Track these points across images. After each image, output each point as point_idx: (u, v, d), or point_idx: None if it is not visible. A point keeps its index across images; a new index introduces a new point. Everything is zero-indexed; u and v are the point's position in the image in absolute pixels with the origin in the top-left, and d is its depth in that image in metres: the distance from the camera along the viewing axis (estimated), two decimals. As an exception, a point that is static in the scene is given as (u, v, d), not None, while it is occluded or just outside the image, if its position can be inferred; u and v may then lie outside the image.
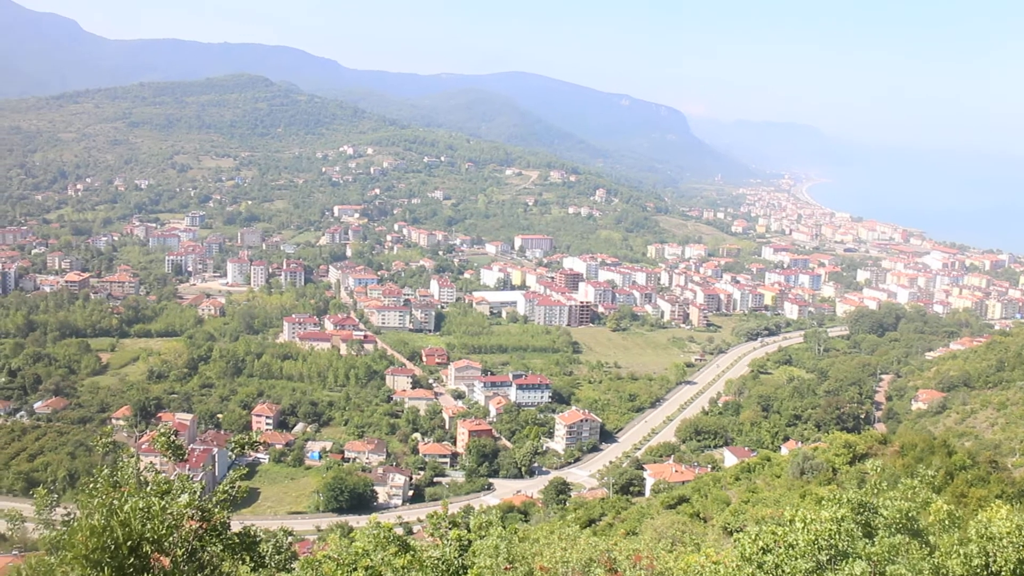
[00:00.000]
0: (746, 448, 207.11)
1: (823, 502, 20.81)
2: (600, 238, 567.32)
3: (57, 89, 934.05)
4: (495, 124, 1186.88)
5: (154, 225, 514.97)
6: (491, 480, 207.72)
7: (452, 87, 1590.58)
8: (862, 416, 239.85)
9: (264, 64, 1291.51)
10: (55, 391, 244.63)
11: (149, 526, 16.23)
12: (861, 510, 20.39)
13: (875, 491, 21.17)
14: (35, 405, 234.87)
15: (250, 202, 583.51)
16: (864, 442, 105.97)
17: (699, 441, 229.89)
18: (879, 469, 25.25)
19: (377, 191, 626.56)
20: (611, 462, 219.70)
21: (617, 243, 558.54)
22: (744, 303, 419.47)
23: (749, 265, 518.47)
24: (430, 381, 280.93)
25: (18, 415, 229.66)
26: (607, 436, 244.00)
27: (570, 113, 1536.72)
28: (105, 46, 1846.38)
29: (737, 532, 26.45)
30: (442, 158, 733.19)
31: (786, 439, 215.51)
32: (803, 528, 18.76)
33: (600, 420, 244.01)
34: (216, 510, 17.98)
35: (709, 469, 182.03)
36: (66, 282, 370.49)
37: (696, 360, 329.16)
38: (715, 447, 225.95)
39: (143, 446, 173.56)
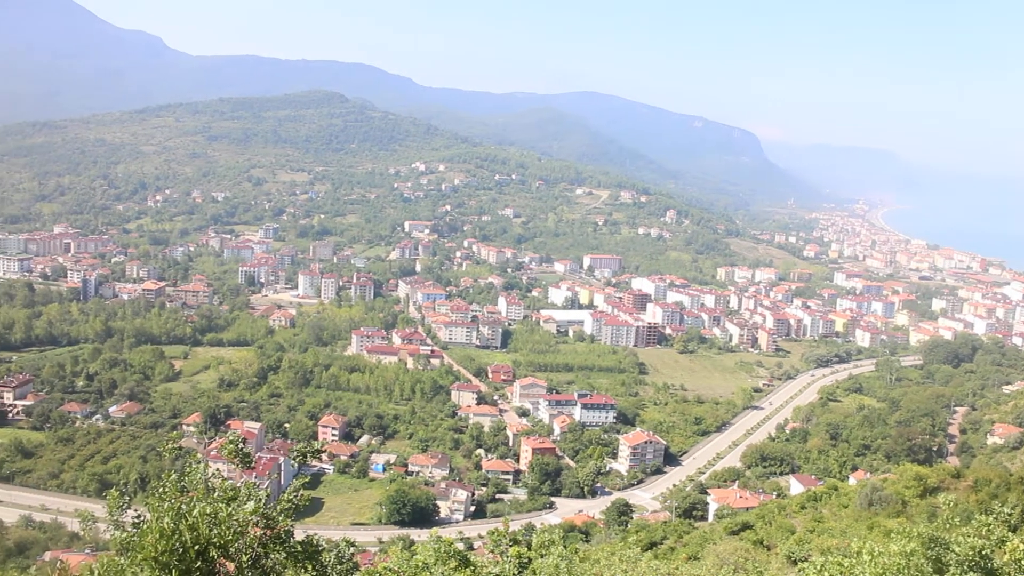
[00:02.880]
0: (813, 476, 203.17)
1: (892, 535, 20.39)
2: (669, 259, 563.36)
3: (141, 103, 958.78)
4: (567, 143, 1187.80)
5: (229, 237, 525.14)
6: (553, 499, 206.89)
7: (525, 106, 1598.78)
8: (934, 448, 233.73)
9: (340, 81, 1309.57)
10: (130, 396, 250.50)
11: (216, 531, 16.54)
12: (932, 545, 19.92)
13: (947, 526, 20.70)
14: (110, 409, 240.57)
15: (323, 216, 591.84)
16: (936, 475, 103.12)
17: (765, 467, 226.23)
18: (952, 504, 24.66)
19: (448, 207, 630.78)
20: (674, 485, 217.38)
21: (686, 265, 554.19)
22: (814, 329, 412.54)
23: (820, 290, 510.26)
24: (495, 398, 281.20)
25: (94, 418, 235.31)
26: (671, 459, 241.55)
27: (642, 134, 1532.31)
28: (188, 62, 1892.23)
29: (802, 562, 26.07)
30: (513, 176, 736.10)
31: (854, 469, 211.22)
32: (870, 561, 18.41)
33: (664, 442, 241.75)
34: (280, 518, 18.24)
35: (774, 496, 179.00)
36: (143, 290, 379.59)
37: (764, 385, 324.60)
38: (781, 474, 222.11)
39: (211, 453, 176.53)
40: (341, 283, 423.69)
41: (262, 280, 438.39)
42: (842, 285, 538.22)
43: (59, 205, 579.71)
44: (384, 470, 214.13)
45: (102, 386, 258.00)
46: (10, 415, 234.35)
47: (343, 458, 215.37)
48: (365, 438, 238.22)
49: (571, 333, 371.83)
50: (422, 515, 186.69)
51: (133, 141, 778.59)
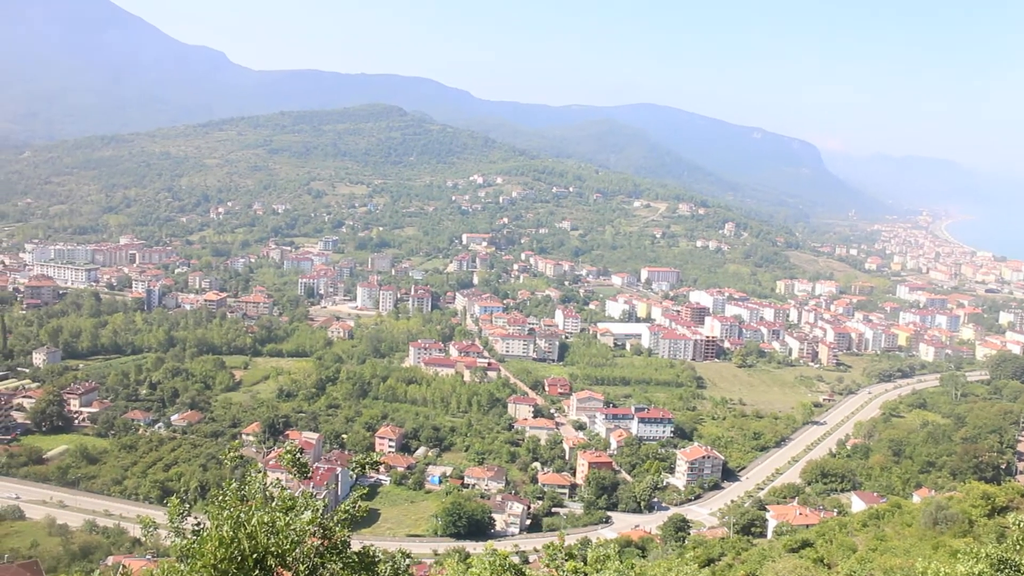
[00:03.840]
0: (875, 494, 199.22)
1: (958, 555, 19.90)
2: (728, 272, 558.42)
3: (204, 117, 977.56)
4: (624, 155, 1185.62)
5: (289, 248, 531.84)
6: (609, 513, 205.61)
7: (582, 118, 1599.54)
8: (1002, 466, 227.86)
9: (399, 95, 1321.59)
10: (191, 405, 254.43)
11: (274, 540, 16.68)
12: (1001, 566, 19.41)
13: (1017, 547, 20.13)
14: (172, 417, 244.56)
15: (381, 228, 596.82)
16: (1004, 494, 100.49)
17: (825, 484, 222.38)
18: (1021, 524, 23.97)
19: (505, 220, 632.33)
20: (733, 501, 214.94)
21: (745, 278, 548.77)
22: (876, 343, 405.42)
23: (882, 304, 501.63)
24: (552, 411, 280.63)
25: (156, 426, 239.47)
26: (729, 474, 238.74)
27: (700, 146, 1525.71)
28: (250, 76, 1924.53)
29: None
30: (570, 188, 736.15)
31: (918, 486, 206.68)
32: (936, 581, 17.97)
33: (723, 457, 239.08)
34: (337, 528, 18.36)
35: (835, 513, 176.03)
36: (205, 301, 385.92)
37: (824, 400, 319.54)
38: (842, 491, 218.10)
39: (270, 462, 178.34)
40: (399, 295, 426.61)
41: (321, 292, 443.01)
42: (905, 298, 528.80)
43: (125, 217, 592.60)
44: (440, 482, 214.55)
45: (164, 395, 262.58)
46: (76, 422, 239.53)
47: (400, 470, 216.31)
48: (422, 450, 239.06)
49: (628, 346, 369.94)
50: (478, 528, 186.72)
51: (196, 154, 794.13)
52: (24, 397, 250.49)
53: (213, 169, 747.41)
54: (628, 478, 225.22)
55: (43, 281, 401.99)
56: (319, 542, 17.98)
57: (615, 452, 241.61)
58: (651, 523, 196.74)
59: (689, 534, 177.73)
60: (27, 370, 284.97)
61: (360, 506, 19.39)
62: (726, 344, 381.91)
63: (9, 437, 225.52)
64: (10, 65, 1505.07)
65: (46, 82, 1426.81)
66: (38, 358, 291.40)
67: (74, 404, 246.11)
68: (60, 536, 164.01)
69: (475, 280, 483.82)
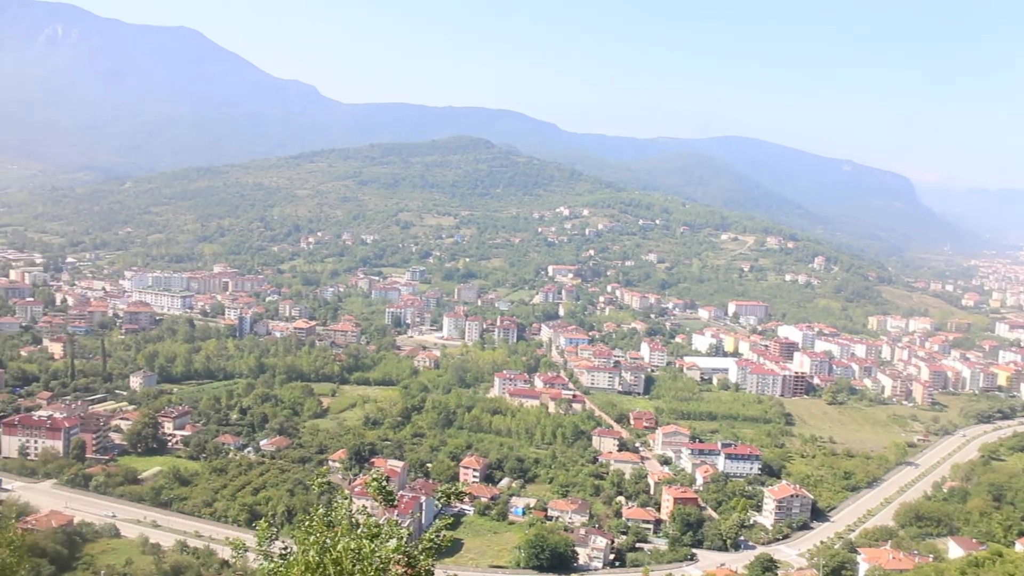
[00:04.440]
0: (974, 540, 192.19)
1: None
2: (818, 307, 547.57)
3: (296, 149, 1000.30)
4: (711, 188, 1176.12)
5: (377, 278, 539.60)
6: (694, 550, 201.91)
7: (669, 151, 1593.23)
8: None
9: (486, 127, 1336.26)
10: (279, 430, 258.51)
11: (359, 567, 16.79)
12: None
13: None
14: (261, 442, 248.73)
15: (468, 259, 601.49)
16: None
17: (920, 528, 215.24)
18: None
19: (591, 252, 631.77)
20: (822, 542, 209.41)
21: (835, 313, 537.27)
22: (974, 382, 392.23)
23: (980, 342, 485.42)
24: (637, 444, 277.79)
25: (246, 450, 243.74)
26: (818, 514, 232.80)
27: (789, 178, 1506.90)
28: (340, 109, 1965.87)
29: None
30: (657, 221, 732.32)
31: (1021, 534, 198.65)
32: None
33: (812, 496, 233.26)
34: (421, 557, 18.40)
35: (931, 559, 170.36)
36: (295, 329, 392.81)
37: (918, 440, 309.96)
38: (938, 536, 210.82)
39: (356, 489, 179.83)
40: (485, 326, 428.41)
41: (408, 321, 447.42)
42: (1005, 336, 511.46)
43: (219, 246, 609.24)
44: (524, 514, 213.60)
45: (254, 420, 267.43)
46: (170, 444, 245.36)
47: (483, 500, 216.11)
48: (505, 481, 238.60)
49: (715, 381, 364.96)
50: (560, 561, 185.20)
51: (288, 185, 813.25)
52: (121, 419, 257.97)
53: (304, 200, 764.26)
54: (714, 515, 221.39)
55: (141, 307, 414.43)
56: (403, 570, 18.03)
57: (701, 488, 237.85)
58: (737, 562, 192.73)
59: (777, 575, 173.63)
60: (125, 393, 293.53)
61: (444, 535, 19.43)
62: (816, 380, 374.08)
63: (107, 457, 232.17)
64: (116, 101, 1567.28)
65: (148, 117, 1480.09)
66: (135, 381, 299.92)
67: (168, 427, 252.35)
68: (153, 555, 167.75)
69: (561, 312, 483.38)
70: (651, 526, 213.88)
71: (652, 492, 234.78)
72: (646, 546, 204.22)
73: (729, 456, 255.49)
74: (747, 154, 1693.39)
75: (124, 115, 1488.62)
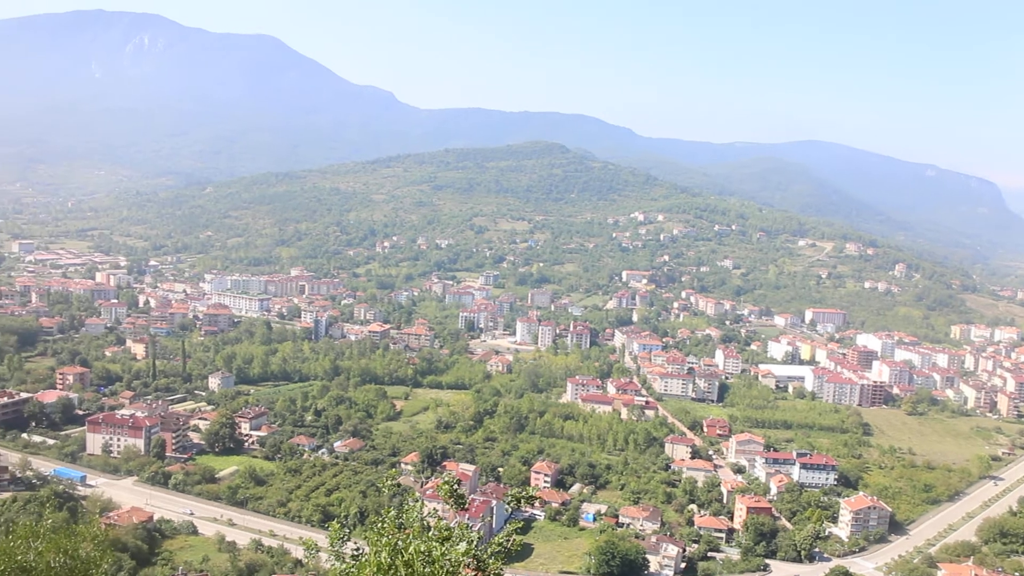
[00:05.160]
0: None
1: None
2: (898, 315, 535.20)
3: (372, 155, 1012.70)
4: (789, 193, 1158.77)
5: (451, 282, 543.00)
6: (768, 561, 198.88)
7: (746, 155, 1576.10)
8: None
9: (561, 132, 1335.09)
10: (353, 432, 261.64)
11: (429, 569, 16.93)
12: None
13: None
14: (335, 444, 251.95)
15: (541, 264, 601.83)
16: None
17: (1005, 544, 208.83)
18: None
19: (666, 258, 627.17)
20: (900, 556, 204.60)
21: (917, 321, 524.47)
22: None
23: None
24: (710, 452, 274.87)
25: (320, 452, 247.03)
26: (896, 527, 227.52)
27: (869, 183, 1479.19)
28: (416, 115, 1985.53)
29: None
30: (733, 226, 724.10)
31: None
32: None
33: (890, 509, 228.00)
34: (491, 561, 18.47)
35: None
36: (369, 332, 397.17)
37: (1003, 454, 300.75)
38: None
39: (427, 492, 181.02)
40: (558, 331, 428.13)
41: (481, 325, 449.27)
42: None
43: (296, 250, 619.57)
44: (594, 520, 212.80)
45: (328, 422, 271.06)
46: (246, 444, 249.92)
47: (554, 505, 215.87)
48: (577, 486, 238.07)
49: (791, 389, 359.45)
50: (631, 568, 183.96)
51: (364, 190, 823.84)
52: (200, 419, 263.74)
53: (380, 205, 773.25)
54: (788, 525, 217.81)
55: (220, 309, 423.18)
56: (473, 573, 18.12)
57: (775, 498, 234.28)
58: (811, 574, 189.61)
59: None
60: (203, 393, 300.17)
61: (514, 540, 19.48)
62: (895, 390, 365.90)
63: (186, 456, 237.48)
64: (199, 108, 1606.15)
65: (229, 123, 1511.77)
66: (213, 382, 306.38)
67: (245, 427, 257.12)
68: (229, 553, 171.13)
69: (634, 317, 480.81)
70: (723, 535, 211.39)
71: (725, 501, 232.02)
72: (718, 555, 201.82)
73: (804, 466, 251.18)
74: (827, 159, 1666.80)
75: (206, 122, 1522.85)
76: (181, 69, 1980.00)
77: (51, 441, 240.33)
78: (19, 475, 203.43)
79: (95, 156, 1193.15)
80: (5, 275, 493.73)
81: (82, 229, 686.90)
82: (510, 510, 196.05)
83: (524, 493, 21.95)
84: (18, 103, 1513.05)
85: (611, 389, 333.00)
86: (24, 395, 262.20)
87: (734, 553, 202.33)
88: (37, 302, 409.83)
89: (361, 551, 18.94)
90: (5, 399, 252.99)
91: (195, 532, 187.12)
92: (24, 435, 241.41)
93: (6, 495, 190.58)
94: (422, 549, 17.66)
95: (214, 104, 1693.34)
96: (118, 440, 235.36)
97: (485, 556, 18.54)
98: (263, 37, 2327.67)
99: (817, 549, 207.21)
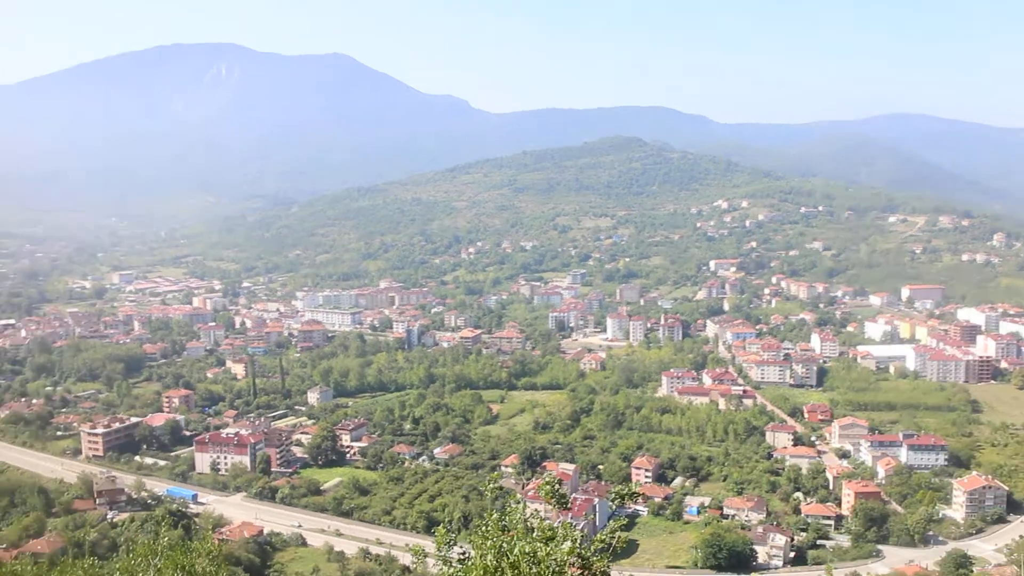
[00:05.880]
0: None
1: None
2: (1000, 287, 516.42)
3: (451, 162, 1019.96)
4: (875, 170, 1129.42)
5: (538, 284, 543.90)
6: (879, 546, 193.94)
7: (827, 134, 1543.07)
8: None
9: (637, 125, 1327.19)
10: (452, 438, 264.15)
11: (535, 570, 16.87)
12: None
13: None
14: (435, 450, 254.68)
15: (627, 259, 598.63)
16: None
17: None
18: None
19: (753, 244, 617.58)
20: (1021, 536, 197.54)
21: (1022, 292, 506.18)
22: None
23: None
24: (812, 438, 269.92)
25: (420, 459, 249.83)
26: (1015, 506, 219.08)
27: (960, 153, 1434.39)
28: (491, 120, 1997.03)
29: None
30: (819, 208, 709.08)
31: None
32: None
33: (1006, 488, 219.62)
34: (596, 559, 18.33)
35: None
36: (461, 338, 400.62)
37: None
38: None
39: (529, 493, 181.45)
40: (649, 325, 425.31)
41: (571, 324, 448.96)
42: None
43: (383, 262, 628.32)
44: (698, 513, 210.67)
45: (427, 429, 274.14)
46: (348, 455, 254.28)
47: (657, 500, 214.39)
48: (678, 480, 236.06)
49: (891, 369, 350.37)
50: (739, 560, 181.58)
51: (445, 198, 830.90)
52: (302, 433, 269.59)
53: (462, 211, 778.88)
54: (899, 509, 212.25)
55: (313, 325, 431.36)
56: (579, 572, 18.02)
57: (883, 482, 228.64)
58: (927, 558, 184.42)
59: (972, 571, 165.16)
60: (303, 408, 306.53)
61: (619, 536, 19.30)
62: (1003, 364, 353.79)
63: (290, 470, 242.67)
64: (279, 131, 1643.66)
65: (308, 143, 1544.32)
66: (312, 397, 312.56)
67: (345, 439, 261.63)
68: (338, 563, 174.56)
69: (725, 306, 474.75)
70: (831, 522, 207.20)
71: (831, 487, 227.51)
72: (827, 543, 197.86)
73: (912, 447, 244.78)
74: (913, 131, 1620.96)
75: (286, 143, 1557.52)
76: (259, 94, 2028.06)
77: (162, 462, 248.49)
78: (135, 496, 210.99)
79: (183, 185, 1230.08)
80: (108, 306, 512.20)
81: (177, 256, 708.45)
82: (613, 507, 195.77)
83: (626, 489, 21.78)
84: (107, 140, 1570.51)
85: (707, 380, 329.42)
86: (134, 419, 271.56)
87: (844, 540, 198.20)
88: (140, 330, 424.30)
89: (467, 555, 19.00)
90: (117, 424, 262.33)
91: (304, 544, 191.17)
92: (136, 458, 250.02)
93: (124, 516, 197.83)
94: (527, 550, 17.62)
95: (293, 125, 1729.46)
96: (225, 458, 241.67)
97: (590, 554, 18.42)
98: (336, 56, 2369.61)
99: (931, 532, 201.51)
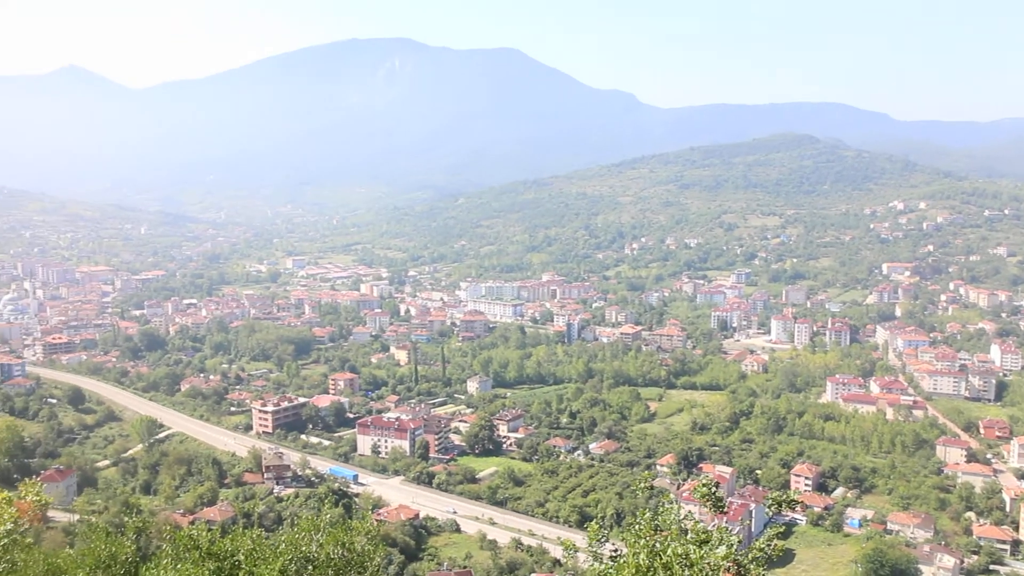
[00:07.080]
0: None
1: None
2: None
3: (617, 157, 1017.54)
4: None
5: (701, 282, 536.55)
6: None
7: (1016, 132, 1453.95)
8: None
9: (809, 122, 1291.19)
10: (608, 434, 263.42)
11: (688, 573, 16.60)
12: None
13: None
14: (590, 445, 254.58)
15: (795, 260, 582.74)
16: None
17: None
18: None
19: (930, 248, 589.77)
20: None
21: None
22: None
23: None
24: (988, 456, 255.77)
25: (576, 453, 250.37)
26: None
27: None
28: (658, 115, 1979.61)
29: None
30: (1006, 211, 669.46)
31: None
32: None
33: None
34: (751, 566, 17.89)
35: None
36: (621, 334, 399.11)
37: None
38: None
39: (684, 494, 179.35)
40: (815, 328, 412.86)
41: (734, 325, 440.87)
42: None
43: (546, 255, 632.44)
44: (860, 526, 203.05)
45: (583, 423, 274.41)
46: (504, 446, 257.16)
47: (816, 510, 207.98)
48: (840, 490, 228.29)
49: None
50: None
51: (611, 193, 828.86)
52: (460, 421, 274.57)
53: (627, 207, 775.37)
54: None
55: (476, 316, 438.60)
56: (734, 578, 17.63)
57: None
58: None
59: None
60: (462, 397, 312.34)
61: (775, 545, 18.79)
62: None
63: (448, 457, 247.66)
64: (448, 124, 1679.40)
65: (476, 136, 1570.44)
66: (472, 386, 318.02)
67: (502, 429, 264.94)
68: (490, 551, 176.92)
69: (897, 312, 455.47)
70: (1007, 547, 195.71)
71: (1008, 509, 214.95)
72: (1002, 569, 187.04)
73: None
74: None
75: (455, 136, 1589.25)
76: (430, 88, 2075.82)
77: (326, 442, 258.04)
78: (300, 473, 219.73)
79: (355, 175, 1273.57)
80: (282, 289, 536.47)
81: (347, 244, 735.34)
82: (770, 513, 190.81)
83: (785, 497, 21.18)
84: (286, 132, 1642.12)
85: (874, 388, 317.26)
86: (301, 399, 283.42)
87: (1020, 567, 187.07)
88: (310, 313, 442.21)
89: (619, 552, 18.87)
90: (285, 403, 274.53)
91: (458, 530, 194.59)
92: (303, 436, 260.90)
93: (289, 491, 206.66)
94: (680, 552, 17.35)
95: (461, 118, 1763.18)
96: (385, 441, 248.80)
97: (746, 561, 17.98)
98: (506, 50, 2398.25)
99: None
